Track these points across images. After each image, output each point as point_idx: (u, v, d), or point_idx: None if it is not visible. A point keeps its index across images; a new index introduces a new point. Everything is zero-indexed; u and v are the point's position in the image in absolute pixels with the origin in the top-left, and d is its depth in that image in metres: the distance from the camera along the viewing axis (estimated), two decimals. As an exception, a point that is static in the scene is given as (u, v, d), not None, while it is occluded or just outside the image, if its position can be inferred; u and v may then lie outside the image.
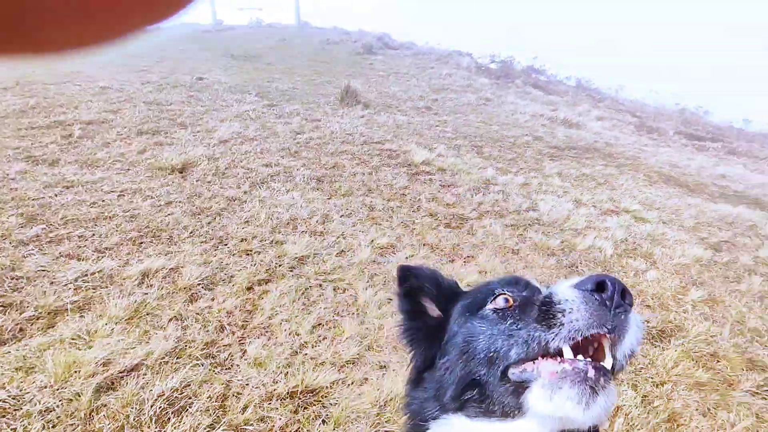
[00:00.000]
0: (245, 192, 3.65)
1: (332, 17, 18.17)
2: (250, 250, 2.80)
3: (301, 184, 3.91)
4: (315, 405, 1.77)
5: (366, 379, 1.93)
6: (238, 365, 1.91)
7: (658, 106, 12.96)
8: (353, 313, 2.35)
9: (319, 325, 2.23)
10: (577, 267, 3.15)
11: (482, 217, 3.70)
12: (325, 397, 1.81)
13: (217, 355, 1.95)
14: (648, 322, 2.61)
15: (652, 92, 13.71)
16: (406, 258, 2.97)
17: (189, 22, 19.98)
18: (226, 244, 2.86)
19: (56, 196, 3.20)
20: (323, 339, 2.14)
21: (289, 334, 2.12)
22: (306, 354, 2.02)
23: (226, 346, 2.01)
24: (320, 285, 2.57)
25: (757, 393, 2.28)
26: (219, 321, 2.15)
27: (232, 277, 2.51)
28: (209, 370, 1.85)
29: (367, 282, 2.66)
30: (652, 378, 2.24)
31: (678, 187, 5.20)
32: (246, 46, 13.20)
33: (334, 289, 2.55)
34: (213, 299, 2.29)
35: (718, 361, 2.43)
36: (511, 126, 7.10)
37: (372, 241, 3.14)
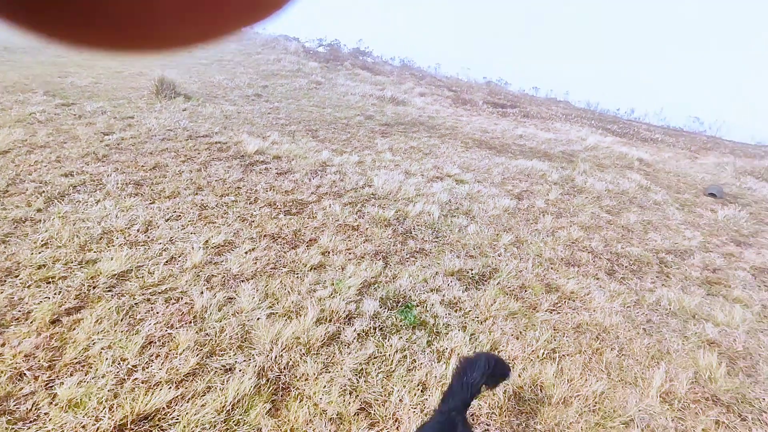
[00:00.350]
0: (39, 210, 3.06)
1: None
2: (52, 277, 2.37)
3: (114, 192, 3.43)
4: (152, 431, 1.61)
5: (209, 387, 1.83)
6: (46, 413, 1.62)
7: (470, 80, 14.66)
8: (189, 322, 2.18)
9: (150, 343, 2.02)
10: (411, 232, 3.42)
11: (321, 199, 3.75)
12: (163, 419, 1.66)
13: (15, 409, 1.63)
14: (471, 269, 2.99)
15: (464, 69, 15.43)
16: (246, 253, 2.86)
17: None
18: (17, 276, 2.37)
19: None
20: (156, 357, 1.95)
21: (113, 363, 1.88)
22: (136, 379, 1.82)
23: (28, 395, 1.69)
24: (148, 300, 2.32)
25: (553, 310, 2.81)
26: (15, 368, 1.79)
27: (28, 313, 2.10)
28: (5, 430, 1.54)
29: (204, 285, 2.49)
30: (477, 317, 2.58)
31: (488, 149, 6.00)
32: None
33: (165, 301, 2.33)
34: (2, 344, 1.89)
35: (525, 291, 2.92)
36: (343, 108, 7.28)
37: (206, 241, 2.94)
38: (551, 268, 3.23)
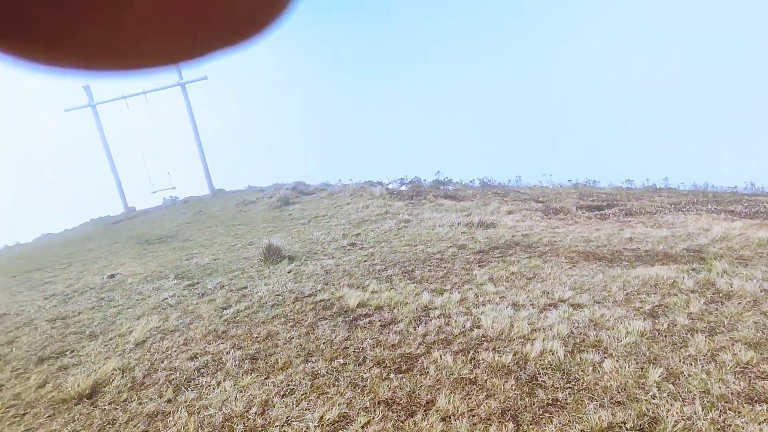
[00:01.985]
0: (169, 401, 3.22)
1: (246, 177, 18.97)
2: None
3: (232, 370, 3.55)
4: None
5: None
6: None
7: (555, 186, 14.41)
8: None
9: None
10: (536, 379, 3.01)
11: (430, 350, 3.54)
12: None
13: None
14: (624, 423, 2.46)
15: (546, 175, 15.37)
16: (362, 428, 2.66)
17: (97, 216, 19.75)
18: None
19: None
20: None
21: None
22: None
23: None
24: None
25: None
26: None
27: None
28: None
29: (324, 477, 2.29)
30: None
31: (597, 261, 5.50)
32: (161, 227, 13.12)
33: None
34: None
35: (706, 445, 2.30)
36: (434, 241, 7.37)
37: (321, 417, 2.81)
38: (729, 409, 2.56)
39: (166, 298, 5.65)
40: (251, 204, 14.18)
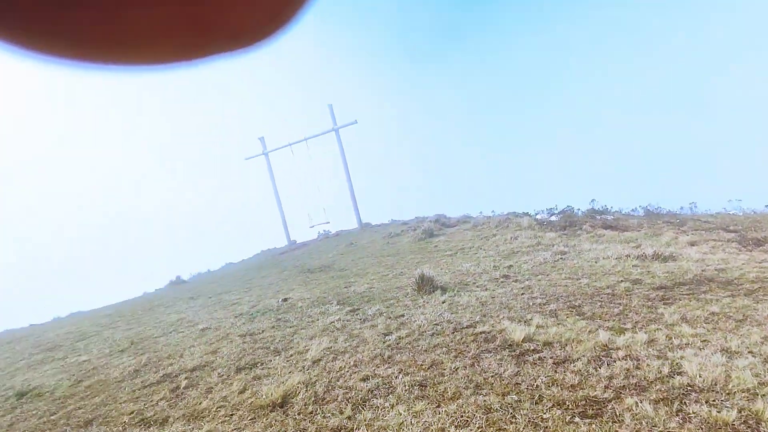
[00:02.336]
0: (349, 417, 3.40)
1: (389, 212, 19.98)
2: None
3: (403, 395, 3.62)
4: None
5: None
6: None
7: (747, 213, 12.00)
8: None
9: None
10: (779, 445, 2.41)
11: (620, 395, 3.13)
12: None
13: None
14: None
15: (733, 201, 12.91)
16: (553, 473, 2.43)
17: (266, 248, 22.67)
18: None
19: (166, 463, 3.11)
20: None
21: None
22: None
23: None
24: None
25: None
26: None
27: None
28: None
29: None
30: None
31: (839, 303, 4.31)
32: (319, 257, 14.43)
33: None
34: None
35: None
36: (599, 275, 6.67)
37: (503, 455, 2.65)
38: None
39: (333, 322, 6.10)
40: (397, 236, 14.77)
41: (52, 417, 4.45)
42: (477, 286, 7.02)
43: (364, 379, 4.05)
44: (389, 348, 4.77)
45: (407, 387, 3.75)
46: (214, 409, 3.93)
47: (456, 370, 3.98)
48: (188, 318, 8.28)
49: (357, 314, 6.40)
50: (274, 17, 0.25)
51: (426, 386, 3.74)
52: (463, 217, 16.89)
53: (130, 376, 5.27)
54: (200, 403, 4.08)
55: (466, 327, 5.09)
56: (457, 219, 16.65)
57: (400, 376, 4.00)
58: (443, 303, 6.25)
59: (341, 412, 3.48)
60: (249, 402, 3.93)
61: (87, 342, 7.94)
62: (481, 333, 4.82)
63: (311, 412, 3.56)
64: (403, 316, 5.94)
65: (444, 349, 4.53)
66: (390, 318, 5.90)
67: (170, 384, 4.72)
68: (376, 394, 3.72)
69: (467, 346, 4.50)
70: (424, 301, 6.51)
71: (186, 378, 4.79)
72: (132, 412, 4.14)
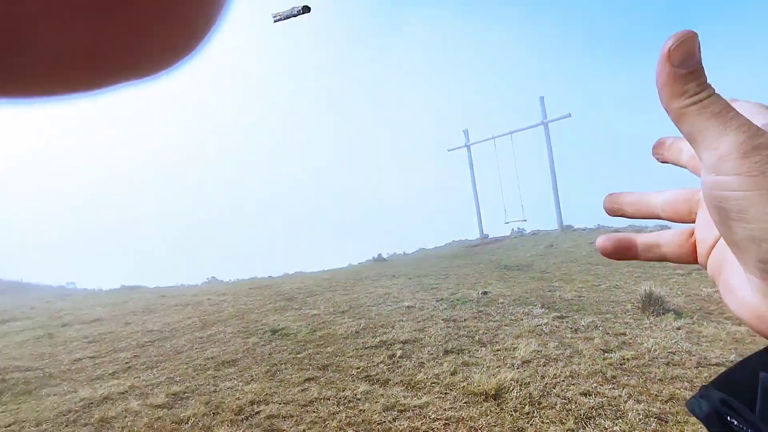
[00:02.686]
0: (570, 430, 3.19)
1: (594, 216, 18.02)
2: None
3: (637, 424, 3.21)
4: None
5: None
6: None
7: None
8: None
9: None
10: None
11: None
12: None
13: None
14: None
15: None
16: None
17: (458, 239, 23.16)
18: None
19: (394, 420, 3.46)
20: None
21: None
22: None
23: None
24: None
25: None
26: None
27: None
28: None
29: None
30: None
31: None
32: (515, 255, 14.01)
33: None
34: None
35: None
36: None
37: None
38: None
39: (540, 325, 5.83)
40: (607, 244, 13.22)
41: (297, 355, 5.45)
42: (726, 318, 5.74)
43: (585, 394, 3.74)
44: (611, 367, 4.30)
45: (641, 416, 3.31)
46: (429, 383, 4.20)
47: (706, 412, 3.33)
48: (393, 294, 9.06)
49: (566, 322, 5.97)
50: (188, 38, 0.22)
51: (666, 421, 3.24)
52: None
53: (352, 336, 6.07)
54: (415, 375, 4.41)
55: (716, 364, 4.21)
56: (687, 233, 13.94)
57: (630, 401, 3.56)
58: (678, 329, 5.31)
59: (562, 422, 3.30)
60: (462, 386, 4.06)
61: (315, 299, 9.47)
62: (739, 376, 3.92)
63: (528, 413, 3.47)
64: (624, 334, 5.28)
65: (686, 383, 3.84)
66: (608, 334, 5.32)
67: (387, 351, 5.24)
68: (601, 414, 3.40)
69: (720, 388, 3.71)
70: (651, 323, 5.66)
71: (400, 348, 5.25)
72: (358, 368, 4.75)
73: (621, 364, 4.35)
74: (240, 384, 4.53)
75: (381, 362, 4.89)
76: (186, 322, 8.17)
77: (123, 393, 4.48)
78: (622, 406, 3.49)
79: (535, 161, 19.38)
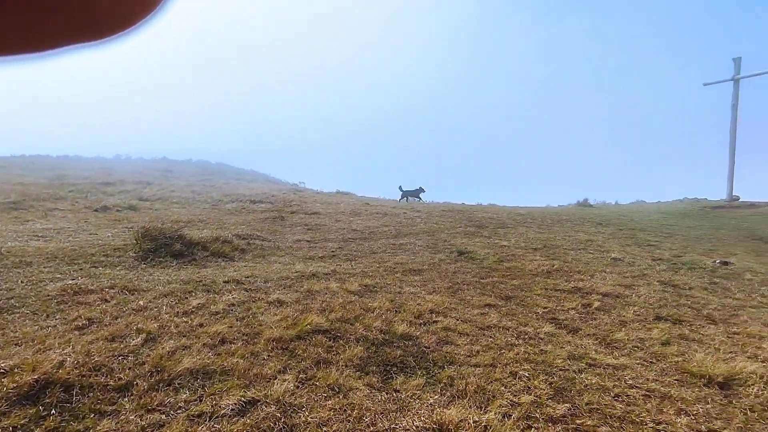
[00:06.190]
0: None
1: None
2: None
3: None
4: None
5: None
6: None
7: None
8: None
9: None
10: None
11: None
12: None
13: None
14: None
15: None
16: None
17: (693, 197, 18.89)
18: None
19: (580, 372, 3.05)
20: None
21: None
22: None
23: None
24: None
25: None
26: None
27: None
28: None
29: None
30: None
31: None
32: (779, 227, 10.69)
33: None
34: None
35: None
36: None
37: None
38: None
39: (809, 319, 4.30)
40: None
41: (481, 280, 5.33)
42: None
43: None
44: None
45: None
46: (630, 345, 3.56)
47: None
48: (598, 242, 8.00)
49: None
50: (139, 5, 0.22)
51: None
52: None
53: (542, 275, 5.60)
54: (613, 332, 3.80)
55: None
56: None
57: None
58: None
59: (832, 450, 2.37)
60: (675, 360, 3.32)
61: (506, 231, 9.11)
62: None
63: (772, 420, 2.61)
64: None
65: None
66: None
67: (582, 299, 4.66)
68: None
69: None
70: None
71: (598, 300, 4.60)
72: (546, 308, 4.36)
73: None
74: (423, 292, 4.69)
75: (572, 308, 4.38)
76: (383, 228, 8.91)
77: (327, 274, 5.15)
78: None
79: None
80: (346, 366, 2.89)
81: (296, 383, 2.63)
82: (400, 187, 17.38)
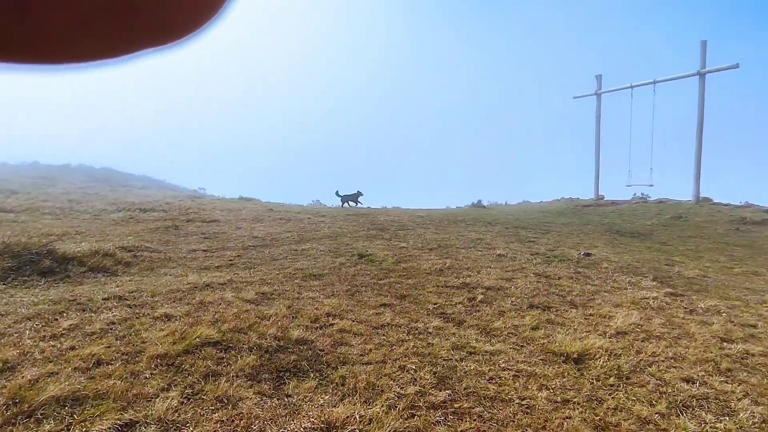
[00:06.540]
0: (661, 414, 2.80)
1: (740, 194, 15.16)
2: None
3: (750, 428, 2.70)
4: None
5: None
6: None
7: None
8: None
9: None
10: None
11: None
12: None
13: None
14: None
15: None
16: None
17: (567, 197, 21.38)
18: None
19: (461, 360, 3.35)
20: None
21: None
22: None
23: None
24: None
25: None
26: None
27: None
28: None
29: None
30: None
31: None
32: (632, 222, 12.56)
33: None
34: None
35: None
36: None
37: None
38: None
39: (647, 298, 5.16)
40: (755, 225, 11.14)
41: (379, 281, 5.55)
42: None
43: (687, 381, 3.25)
44: (728, 359, 3.65)
45: (756, 420, 2.78)
46: (506, 332, 3.98)
47: None
48: (486, 240, 8.73)
49: (681, 301, 5.21)
50: (204, 7, 0.23)
51: (791, 434, 2.67)
52: None
53: (435, 273, 5.99)
54: (493, 322, 4.22)
55: None
56: None
57: (746, 401, 3.00)
58: (833, 334, 4.31)
59: (651, 403, 2.91)
60: (541, 342, 3.78)
61: (406, 233, 9.53)
62: None
63: (612, 385, 3.12)
64: (755, 327, 4.45)
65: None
66: (733, 323, 4.52)
67: (468, 293, 5.08)
68: (703, 406, 2.92)
69: None
70: (794, 321, 4.68)
71: (482, 293, 5.05)
72: (436, 304, 4.68)
73: (742, 358, 3.68)
74: (321, 296, 4.75)
75: (460, 303, 4.76)
76: (286, 234, 8.80)
77: (222, 284, 4.98)
78: (733, 404, 2.96)
79: (679, 120, 16.56)
80: (237, 376, 2.86)
81: (181, 399, 2.54)
82: (337, 192, 17.08)
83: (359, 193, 16.99)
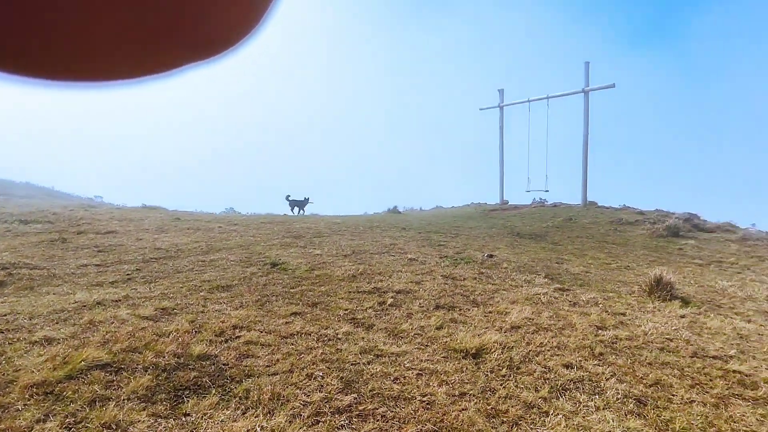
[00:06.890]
0: (543, 399, 3.12)
1: (619, 197, 17.29)
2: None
3: (614, 403, 3.11)
4: None
5: None
6: None
7: None
8: None
9: None
10: None
11: None
12: None
13: None
14: None
15: None
16: None
17: (477, 202, 22.76)
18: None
19: (368, 364, 3.45)
20: None
21: None
22: None
23: None
24: None
25: None
26: None
27: None
28: None
29: None
30: None
31: None
32: (531, 225, 13.70)
33: None
34: None
35: None
36: None
37: None
38: None
39: (538, 294, 5.70)
40: (629, 225, 12.76)
41: (291, 290, 5.49)
42: (736, 313, 5.49)
43: (567, 366, 3.65)
44: (601, 344, 4.17)
45: (620, 396, 3.21)
46: (412, 333, 4.16)
47: (690, 403, 3.20)
48: (399, 245, 9.00)
49: (566, 295, 5.82)
50: (247, 18, 0.23)
51: (645, 404, 3.13)
52: (725, 224, 13.39)
53: (348, 279, 6.06)
54: (401, 324, 4.38)
55: (713, 357, 4.04)
56: (716, 224, 13.31)
57: (613, 380, 3.45)
58: (682, 318, 5.10)
59: (536, 389, 3.22)
60: (444, 341, 4.01)
61: (321, 240, 9.50)
62: (734, 372, 3.75)
63: (504, 376, 3.40)
64: (623, 314, 5.11)
65: (675, 371, 3.70)
66: (607, 312, 5.15)
67: (379, 297, 5.22)
68: (579, 388, 3.31)
69: (711, 381, 3.57)
70: (654, 307, 5.46)
71: (392, 297, 5.22)
72: (346, 310, 4.75)
73: (612, 343, 4.22)
74: (229, 308, 4.59)
75: (370, 307, 4.87)
76: (193, 245, 8.33)
77: (116, 301, 4.60)
78: (602, 384, 3.38)
79: (569, 132, 18.47)
80: (129, 399, 2.67)
81: (60, 430, 2.32)
82: (287, 197, 16.58)
83: (307, 200, 17.02)
